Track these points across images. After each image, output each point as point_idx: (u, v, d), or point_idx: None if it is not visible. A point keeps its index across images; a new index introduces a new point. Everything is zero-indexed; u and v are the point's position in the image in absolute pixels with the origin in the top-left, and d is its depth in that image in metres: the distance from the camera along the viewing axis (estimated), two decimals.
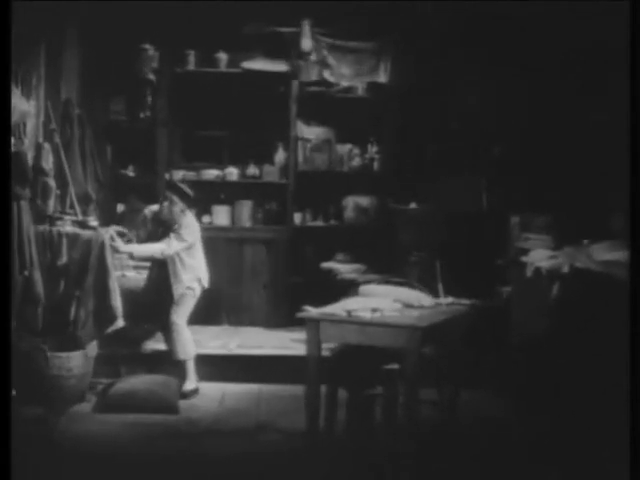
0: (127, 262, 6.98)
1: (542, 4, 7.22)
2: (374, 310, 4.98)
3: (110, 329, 6.08)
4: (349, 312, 4.98)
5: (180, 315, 6.60)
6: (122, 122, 8.48)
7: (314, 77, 8.42)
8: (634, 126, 4.06)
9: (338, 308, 5.09)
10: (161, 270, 6.59)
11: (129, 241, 6.54)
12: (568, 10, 6.99)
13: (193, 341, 6.72)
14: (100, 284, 6.00)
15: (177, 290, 6.53)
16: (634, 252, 3.99)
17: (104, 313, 5.99)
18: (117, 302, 6.04)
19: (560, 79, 7.52)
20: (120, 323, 6.09)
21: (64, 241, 5.96)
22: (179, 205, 6.54)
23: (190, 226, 6.59)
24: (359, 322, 4.92)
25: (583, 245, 6.10)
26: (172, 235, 6.46)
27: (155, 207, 6.79)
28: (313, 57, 8.31)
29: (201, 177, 8.69)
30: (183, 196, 6.54)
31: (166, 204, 6.54)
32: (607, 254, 5.40)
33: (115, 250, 6.24)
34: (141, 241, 6.77)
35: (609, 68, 6.69)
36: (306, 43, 8.17)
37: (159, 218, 6.60)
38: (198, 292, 6.70)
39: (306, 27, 8.14)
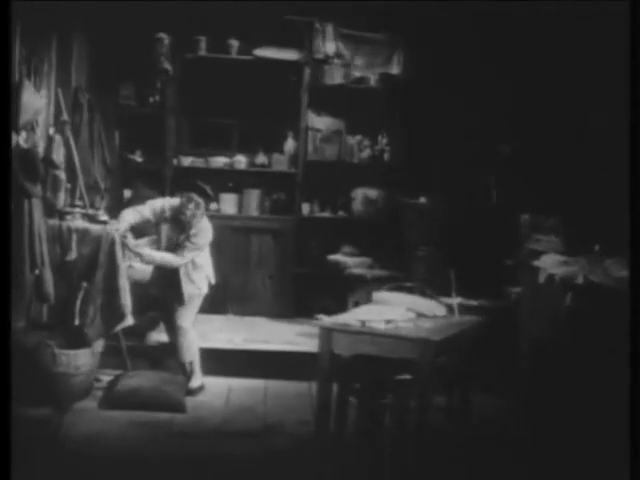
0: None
1: (543, 4, 7.16)
2: (388, 321, 4.94)
3: (118, 327, 6.03)
4: (363, 322, 4.93)
5: (187, 317, 6.52)
6: (131, 107, 8.38)
7: (339, 80, 8.34)
8: (634, 126, 4.02)
9: (351, 318, 5.04)
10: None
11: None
12: (568, 11, 6.94)
13: (197, 340, 6.66)
14: (110, 281, 5.95)
15: (187, 291, 6.44)
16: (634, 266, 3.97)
17: (113, 311, 5.94)
18: (127, 300, 5.98)
19: (562, 79, 7.48)
20: (129, 321, 6.05)
21: (74, 236, 5.89)
22: (202, 209, 6.40)
23: (206, 230, 6.48)
24: (372, 333, 4.88)
25: (597, 254, 6.05)
26: (187, 245, 6.33)
27: (174, 202, 6.54)
28: (337, 60, 8.24)
29: (209, 164, 8.63)
30: (206, 197, 6.41)
31: (191, 206, 6.33)
32: (623, 270, 5.35)
33: (128, 249, 6.17)
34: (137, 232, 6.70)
35: (610, 70, 6.65)
36: (330, 46, 8.09)
37: (179, 219, 6.37)
38: (205, 290, 6.61)
39: (329, 29, 8.05)
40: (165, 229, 6.56)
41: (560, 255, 6.49)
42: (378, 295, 5.51)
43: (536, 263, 6.46)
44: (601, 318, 5.40)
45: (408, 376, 5.06)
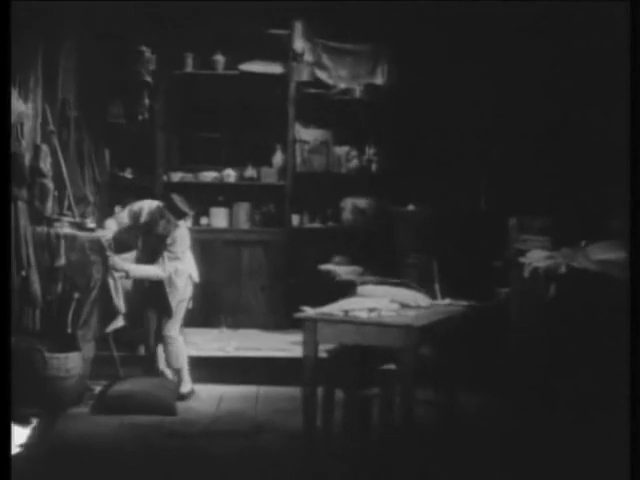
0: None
1: (542, 4, 7.23)
2: (371, 310, 4.98)
3: (110, 328, 6.10)
4: (346, 312, 4.97)
5: (174, 325, 6.56)
6: (120, 124, 8.45)
7: (306, 77, 8.44)
8: (634, 127, 4.06)
9: (335, 308, 5.09)
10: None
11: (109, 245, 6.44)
12: (568, 10, 7.00)
13: (185, 346, 6.69)
14: (100, 284, 6.02)
15: (174, 299, 6.48)
16: (634, 252, 3.99)
17: (104, 313, 6.01)
18: (119, 302, 6.06)
19: (559, 80, 7.53)
20: (120, 322, 6.11)
21: (62, 243, 5.96)
22: (173, 224, 6.40)
23: (182, 238, 6.50)
24: (356, 322, 4.91)
25: (580, 246, 6.10)
26: (165, 255, 6.38)
27: (152, 205, 6.62)
28: (306, 58, 8.33)
29: (199, 179, 8.73)
30: (179, 214, 6.43)
31: (162, 222, 6.39)
32: (604, 254, 5.40)
33: (112, 267, 6.23)
34: (123, 244, 6.76)
35: (609, 69, 6.70)
36: (298, 44, 8.20)
37: (153, 232, 6.47)
38: (190, 292, 6.65)
39: (298, 28, 8.17)
40: (141, 238, 6.62)
41: (546, 251, 6.55)
42: (363, 288, 5.57)
43: (522, 259, 6.52)
44: (585, 303, 5.44)
45: (393, 366, 5.11)
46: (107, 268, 6.07)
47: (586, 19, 6.88)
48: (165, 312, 6.53)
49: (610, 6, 5.97)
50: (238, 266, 8.69)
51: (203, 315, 7.90)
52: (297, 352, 6.88)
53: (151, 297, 6.62)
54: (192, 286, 6.66)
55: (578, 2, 6.79)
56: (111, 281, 6.09)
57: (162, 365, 6.72)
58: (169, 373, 6.66)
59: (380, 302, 5.16)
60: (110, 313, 6.12)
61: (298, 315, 5.10)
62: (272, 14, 8.13)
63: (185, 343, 6.75)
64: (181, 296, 6.54)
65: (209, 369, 6.92)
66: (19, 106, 5.45)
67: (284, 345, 7.64)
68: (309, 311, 5.13)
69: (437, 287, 5.64)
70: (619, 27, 4.80)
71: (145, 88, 8.29)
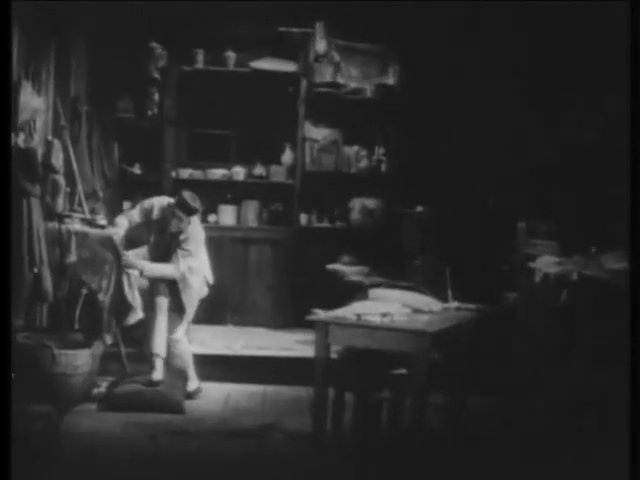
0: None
1: (542, 5, 7.23)
2: (384, 314, 4.98)
3: (130, 321, 6.11)
4: (359, 316, 4.97)
5: (180, 328, 6.51)
6: (129, 120, 8.45)
7: (327, 78, 8.42)
8: (634, 127, 4.05)
9: (347, 312, 5.08)
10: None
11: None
12: (568, 10, 7.00)
13: (189, 345, 6.67)
14: (115, 279, 6.03)
15: (188, 299, 6.45)
16: (634, 261, 3.99)
17: (120, 307, 6.03)
18: (133, 298, 6.07)
19: (565, 81, 7.53)
20: (139, 314, 6.13)
21: (73, 239, 5.95)
22: (185, 222, 6.36)
23: (196, 235, 6.49)
24: (368, 326, 4.92)
25: (592, 254, 6.08)
26: (179, 252, 6.35)
27: (163, 202, 6.57)
28: (327, 59, 8.32)
29: (207, 176, 8.71)
30: (190, 211, 6.40)
31: (174, 221, 6.36)
32: (617, 263, 5.39)
33: (126, 264, 6.21)
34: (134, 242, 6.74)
35: (609, 69, 6.69)
36: (321, 45, 8.18)
37: (166, 230, 6.44)
38: (205, 293, 6.64)
39: (321, 29, 8.14)
40: (154, 236, 6.58)
41: (556, 257, 6.54)
42: (375, 292, 5.56)
43: (532, 265, 6.51)
44: (596, 311, 5.42)
45: (404, 371, 5.10)
46: (120, 266, 6.06)
47: (586, 19, 6.88)
48: (177, 312, 6.49)
49: (610, 6, 5.97)
50: (245, 264, 8.67)
51: (209, 312, 7.85)
52: (303, 351, 6.98)
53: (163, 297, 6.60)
54: (207, 288, 6.63)
55: (578, 2, 6.78)
56: (125, 278, 6.08)
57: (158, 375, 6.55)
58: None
59: (392, 306, 5.16)
60: (124, 310, 6.11)
61: (310, 317, 5.09)
62: (285, 13, 8.10)
63: (190, 340, 6.74)
64: (196, 296, 6.51)
65: (216, 367, 6.90)
66: (34, 102, 5.43)
67: (290, 344, 7.64)
68: (321, 314, 5.11)
69: (450, 292, 5.60)
70: (619, 27, 4.80)
71: (155, 84, 8.28)
